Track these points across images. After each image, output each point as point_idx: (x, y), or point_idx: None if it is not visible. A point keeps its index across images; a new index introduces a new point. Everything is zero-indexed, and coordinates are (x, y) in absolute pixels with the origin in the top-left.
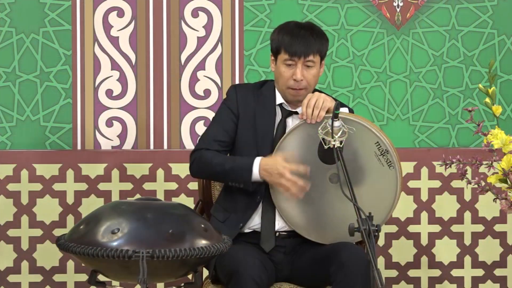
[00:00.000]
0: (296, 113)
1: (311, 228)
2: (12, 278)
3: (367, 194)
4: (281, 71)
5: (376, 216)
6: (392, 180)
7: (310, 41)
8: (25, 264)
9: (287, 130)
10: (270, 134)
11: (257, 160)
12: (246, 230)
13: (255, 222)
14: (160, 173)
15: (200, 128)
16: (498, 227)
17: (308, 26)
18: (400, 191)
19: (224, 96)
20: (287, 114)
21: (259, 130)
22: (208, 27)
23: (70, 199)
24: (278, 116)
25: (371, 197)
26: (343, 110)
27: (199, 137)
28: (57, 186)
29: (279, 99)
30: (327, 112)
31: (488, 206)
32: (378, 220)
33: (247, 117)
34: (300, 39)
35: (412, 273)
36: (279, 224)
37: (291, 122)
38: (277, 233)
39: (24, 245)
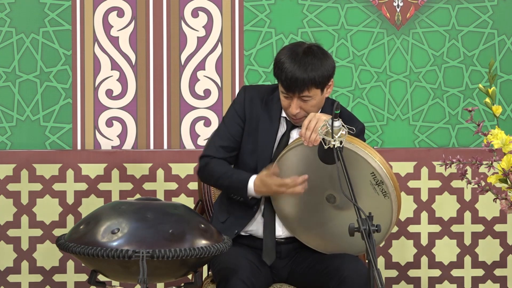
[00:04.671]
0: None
1: (311, 238)
2: (12, 278)
3: None
4: (281, 98)
5: None
6: (387, 209)
7: (305, 77)
8: (25, 264)
9: (290, 143)
10: (271, 144)
11: (251, 182)
12: (243, 234)
13: (252, 228)
14: (160, 173)
15: (200, 128)
16: (498, 227)
17: (307, 55)
18: (395, 220)
19: (224, 96)
20: (291, 126)
21: (260, 139)
22: (208, 27)
23: (70, 199)
24: (283, 127)
25: None
26: (342, 132)
27: (208, 140)
28: (57, 186)
29: (284, 112)
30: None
31: (488, 206)
32: None
33: (252, 123)
34: (294, 74)
35: (412, 273)
36: (277, 233)
37: (296, 135)
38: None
39: (24, 245)
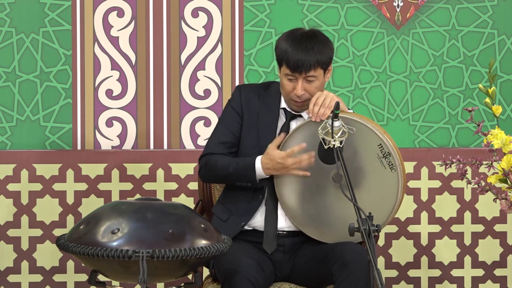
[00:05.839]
0: (300, 116)
1: (313, 226)
2: (12, 278)
3: (368, 195)
4: (284, 83)
5: (377, 218)
6: (393, 182)
7: (310, 56)
8: (25, 264)
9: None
10: (272, 135)
11: (258, 161)
12: (247, 228)
13: (256, 220)
14: (160, 173)
15: (200, 128)
16: (498, 227)
17: (310, 36)
18: (402, 194)
19: (224, 96)
20: (291, 117)
21: (261, 131)
22: (208, 27)
23: (70, 199)
24: (282, 119)
25: (372, 199)
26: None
27: (206, 141)
28: (57, 186)
29: (283, 103)
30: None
31: (488, 206)
32: (379, 222)
33: (250, 117)
34: (300, 53)
35: (412, 273)
36: (280, 224)
37: (295, 125)
38: (277, 233)
39: (24, 245)
